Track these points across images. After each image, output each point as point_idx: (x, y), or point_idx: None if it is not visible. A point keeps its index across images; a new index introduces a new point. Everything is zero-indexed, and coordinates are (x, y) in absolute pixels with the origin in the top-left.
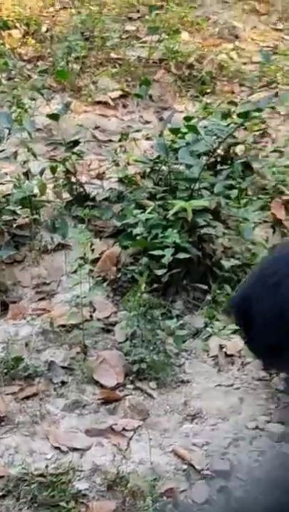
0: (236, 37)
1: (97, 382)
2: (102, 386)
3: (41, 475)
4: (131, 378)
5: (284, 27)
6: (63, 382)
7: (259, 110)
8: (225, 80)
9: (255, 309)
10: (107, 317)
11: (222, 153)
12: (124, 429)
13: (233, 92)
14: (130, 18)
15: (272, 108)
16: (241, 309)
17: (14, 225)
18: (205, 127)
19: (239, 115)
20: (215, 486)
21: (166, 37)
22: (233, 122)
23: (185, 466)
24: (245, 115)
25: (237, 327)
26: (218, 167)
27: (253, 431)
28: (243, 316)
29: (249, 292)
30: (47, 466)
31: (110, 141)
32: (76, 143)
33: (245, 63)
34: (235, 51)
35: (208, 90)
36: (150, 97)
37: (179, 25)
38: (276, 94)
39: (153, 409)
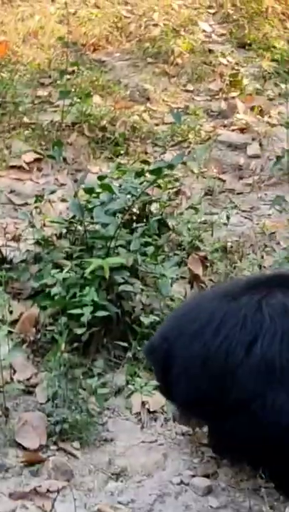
0: (147, 99)
1: (19, 445)
2: (24, 448)
3: None
4: (54, 439)
5: (194, 88)
6: None
7: (171, 167)
8: (138, 140)
9: (176, 353)
10: (28, 378)
11: (138, 211)
12: (48, 490)
13: (146, 153)
14: (42, 84)
15: (184, 164)
16: (162, 349)
17: None
18: (120, 186)
19: (151, 172)
20: None
21: (78, 101)
22: (146, 180)
23: None
24: (157, 172)
25: (155, 371)
26: (134, 225)
27: (178, 486)
28: (162, 355)
29: (169, 335)
30: None
31: (26, 204)
32: None
33: (157, 124)
34: (147, 112)
35: (122, 151)
36: (64, 159)
37: (91, 88)
38: (189, 153)
39: (77, 469)
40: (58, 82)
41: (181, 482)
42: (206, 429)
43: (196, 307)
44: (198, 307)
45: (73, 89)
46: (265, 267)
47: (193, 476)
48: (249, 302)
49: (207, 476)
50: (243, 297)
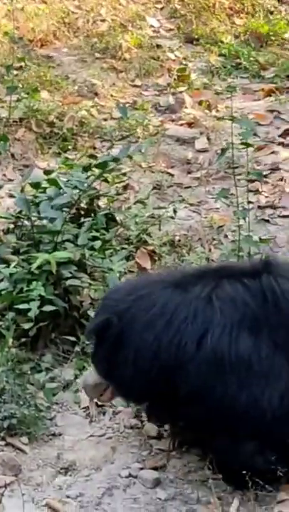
0: (96, 94)
1: None
2: None
3: None
4: (2, 434)
5: (142, 83)
6: None
7: (116, 160)
8: (86, 136)
9: (130, 337)
10: None
11: (85, 206)
12: None
13: (94, 148)
14: None
15: (130, 158)
16: (117, 327)
17: None
18: (68, 181)
19: (97, 166)
20: None
21: (26, 96)
22: (93, 175)
23: None
24: (102, 166)
25: (100, 346)
26: (82, 220)
27: (127, 479)
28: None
29: (124, 317)
30: None
31: None
32: None
33: (105, 119)
34: (95, 108)
35: (70, 147)
36: (12, 155)
37: (38, 84)
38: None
39: (25, 464)
40: (5, 77)
41: (130, 475)
42: (154, 422)
43: (147, 295)
44: (150, 295)
45: (21, 85)
46: (213, 260)
47: (142, 468)
48: (200, 295)
49: (155, 468)
50: (194, 289)
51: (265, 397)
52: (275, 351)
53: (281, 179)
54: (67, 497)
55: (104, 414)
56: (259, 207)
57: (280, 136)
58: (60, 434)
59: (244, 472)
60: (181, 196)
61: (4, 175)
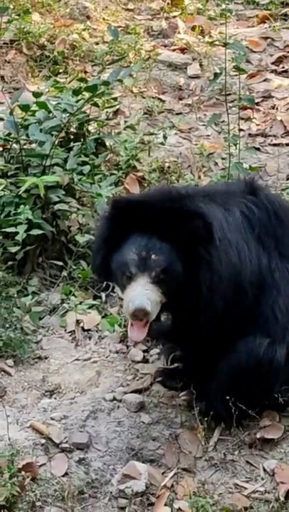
0: (88, 17)
1: None
2: None
3: None
4: None
5: (135, 7)
6: None
7: (106, 84)
8: (77, 59)
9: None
10: None
11: (75, 130)
12: None
13: (85, 72)
14: None
15: (120, 81)
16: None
17: None
18: (57, 104)
19: (87, 89)
20: (74, 458)
21: (17, 17)
22: (83, 98)
23: (43, 441)
24: (92, 89)
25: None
26: (72, 144)
27: (111, 402)
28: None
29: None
30: None
31: None
32: None
33: (97, 43)
34: (87, 31)
35: (61, 70)
36: (2, 78)
37: (30, 5)
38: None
39: (10, 387)
40: None
41: (114, 399)
42: (139, 347)
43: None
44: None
45: (12, 6)
46: None
47: (126, 392)
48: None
49: (140, 392)
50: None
51: None
52: None
53: (273, 107)
54: (52, 419)
55: (90, 338)
56: (250, 135)
57: (273, 63)
58: (45, 358)
59: (228, 397)
60: (171, 122)
61: None
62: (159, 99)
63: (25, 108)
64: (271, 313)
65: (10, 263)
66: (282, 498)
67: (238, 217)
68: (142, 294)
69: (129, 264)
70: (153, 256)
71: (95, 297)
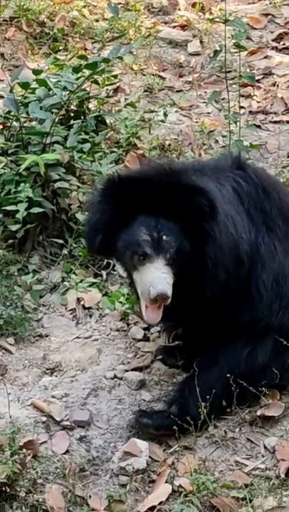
0: None
1: None
2: None
3: None
4: None
5: None
6: None
7: (106, 61)
8: (77, 36)
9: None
10: None
11: (75, 108)
12: None
13: (85, 49)
14: None
15: (121, 59)
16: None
17: None
18: (57, 81)
19: (87, 66)
20: (75, 435)
21: None
22: (83, 76)
23: (44, 418)
24: (92, 66)
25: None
26: (72, 122)
27: (112, 380)
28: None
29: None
30: None
31: None
32: None
33: (97, 20)
34: (87, 8)
35: (61, 47)
36: (2, 55)
37: None
38: None
39: (11, 365)
40: None
41: (115, 376)
42: (140, 325)
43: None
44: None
45: None
46: None
47: (127, 370)
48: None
49: (140, 370)
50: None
51: None
52: None
53: (274, 84)
54: (53, 397)
55: (90, 316)
56: (250, 112)
57: (273, 40)
58: (46, 336)
59: (228, 375)
60: (172, 100)
61: None
62: (159, 76)
63: (25, 86)
64: (255, 290)
65: (10, 241)
66: (282, 475)
67: (229, 190)
68: (162, 277)
69: (143, 245)
70: (164, 237)
71: (96, 275)
